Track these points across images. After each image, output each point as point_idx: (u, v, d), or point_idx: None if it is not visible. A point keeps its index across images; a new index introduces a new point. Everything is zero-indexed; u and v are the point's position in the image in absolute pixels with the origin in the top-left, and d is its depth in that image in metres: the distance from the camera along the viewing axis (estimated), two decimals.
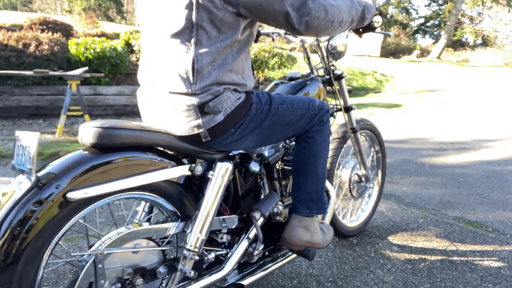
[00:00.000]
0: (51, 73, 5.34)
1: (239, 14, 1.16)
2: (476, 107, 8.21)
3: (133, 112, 7.03)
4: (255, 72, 8.42)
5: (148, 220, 1.45)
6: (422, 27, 36.86)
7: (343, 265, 2.04)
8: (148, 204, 1.43)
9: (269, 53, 8.75)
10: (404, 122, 6.77)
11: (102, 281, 1.12)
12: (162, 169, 1.22)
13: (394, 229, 2.52)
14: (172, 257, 1.33)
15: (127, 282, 1.20)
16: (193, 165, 1.29)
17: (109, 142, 1.11)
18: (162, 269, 1.26)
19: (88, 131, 1.10)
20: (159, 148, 1.26)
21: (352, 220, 2.41)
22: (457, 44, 30.40)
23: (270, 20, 1.20)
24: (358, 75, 12.87)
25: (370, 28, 1.56)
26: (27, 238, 0.98)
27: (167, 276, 1.31)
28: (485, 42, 24.83)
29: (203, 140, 1.25)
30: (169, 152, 1.29)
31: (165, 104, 1.23)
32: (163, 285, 1.34)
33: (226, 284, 1.45)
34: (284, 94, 1.69)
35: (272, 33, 1.94)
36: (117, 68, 7.21)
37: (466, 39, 32.43)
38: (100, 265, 1.11)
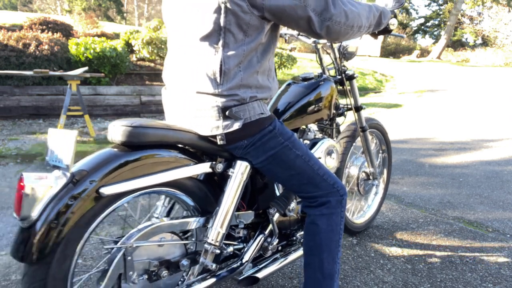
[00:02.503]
0: (51, 73, 5.32)
1: (264, 17, 1.20)
2: (476, 107, 8.25)
3: (133, 112, 7.02)
4: None
5: (168, 215, 1.51)
6: (422, 27, 36.89)
7: (343, 265, 2.06)
8: (168, 199, 1.50)
9: None
10: (404, 122, 6.80)
11: (131, 273, 1.18)
12: (186, 166, 1.28)
13: (394, 229, 2.53)
14: (193, 250, 1.39)
15: (153, 273, 1.26)
16: (214, 162, 1.35)
17: (137, 140, 1.17)
18: (185, 262, 1.33)
19: (118, 130, 1.16)
20: (182, 146, 1.31)
21: (359, 216, 2.47)
22: (457, 44, 30.48)
23: (293, 24, 1.23)
24: (358, 75, 12.89)
25: (386, 30, 1.61)
26: (64, 230, 1.05)
27: (188, 268, 1.37)
28: (485, 42, 24.92)
29: (219, 143, 1.28)
30: (191, 150, 1.34)
31: (191, 104, 1.27)
32: (184, 277, 1.40)
33: (241, 277, 1.51)
34: (297, 97, 1.72)
35: (285, 34, 1.98)
36: (117, 68, 7.21)
37: (466, 39, 32.52)
38: (129, 258, 1.17)
